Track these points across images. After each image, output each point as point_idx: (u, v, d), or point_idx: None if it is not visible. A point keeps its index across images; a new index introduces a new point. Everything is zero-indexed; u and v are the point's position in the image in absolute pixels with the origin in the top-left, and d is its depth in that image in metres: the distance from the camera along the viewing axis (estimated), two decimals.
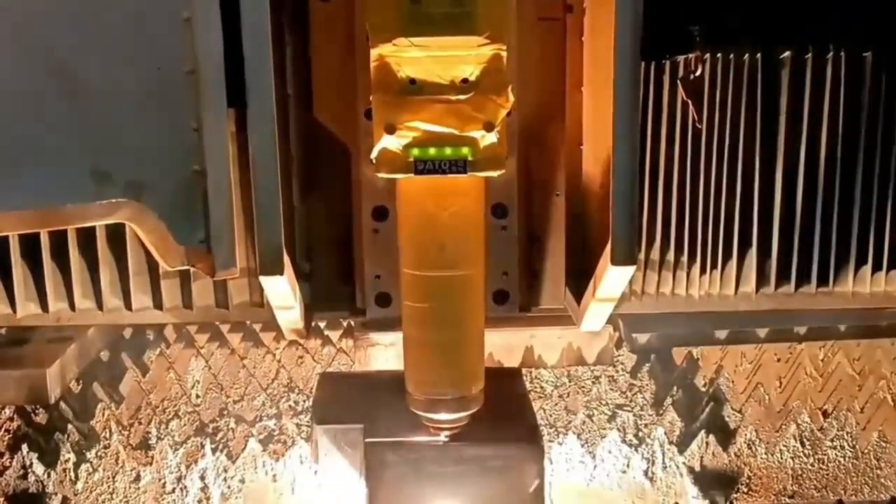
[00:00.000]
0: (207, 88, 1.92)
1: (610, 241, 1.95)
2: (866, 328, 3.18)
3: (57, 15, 1.92)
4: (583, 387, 3.40)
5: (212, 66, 1.91)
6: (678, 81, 2.17)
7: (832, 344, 3.38)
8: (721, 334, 3.15)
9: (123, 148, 1.96)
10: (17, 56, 1.91)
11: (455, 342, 2.09)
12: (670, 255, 2.44)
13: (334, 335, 3.41)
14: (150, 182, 1.97)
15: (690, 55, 2.16)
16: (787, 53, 2.34)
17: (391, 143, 1.90)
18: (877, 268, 2.46)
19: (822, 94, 2.36)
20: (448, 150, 1.89)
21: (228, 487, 3.36)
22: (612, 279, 2.01)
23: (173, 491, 3.36)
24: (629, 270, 1.98)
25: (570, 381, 3.40)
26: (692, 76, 2.15)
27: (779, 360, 3.40)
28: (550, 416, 3.39)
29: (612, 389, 3.40)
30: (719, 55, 2.29)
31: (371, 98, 1.92)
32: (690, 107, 2.19)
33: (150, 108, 1.96)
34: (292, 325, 2.22)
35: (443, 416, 2.12)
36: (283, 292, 2.03)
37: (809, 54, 2.35)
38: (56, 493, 3.36)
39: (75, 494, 3.35)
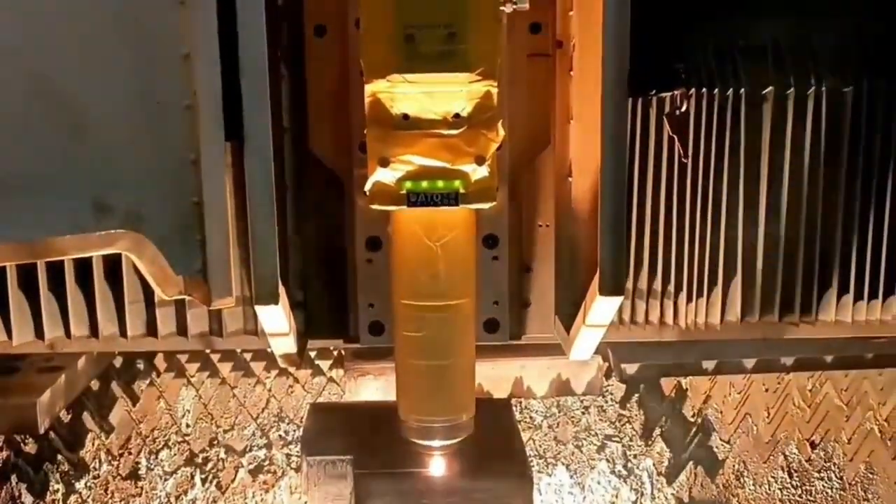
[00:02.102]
0: (206, 122, 2.00)
1: (598, 272, 2.03)
2: (853, 359, 3.26)
3: (58, 50, 1.99)
4: (572, 417, 3.47)
5: (210, 100, 1.99)
6: (664, 117, 2.27)
7: (819, 374, 3.46)
8: (709, 364, 3.23)
9: (122, 180, 2.03)
10: (18, 90, 1.98)
11: (446, 370, 2.17)
12: (657, 285, 2.53)
13: (325, 365, 3.47)
14: (149, 213, 2.04)
15: (676, 91, 2.26)
16: (769, 89, 2.45)
17: (385, 175, 1.99)
18: (858, 297, 2.56)
19: (804, 127, 2.47)
20: (440, 183, 1.98)
21: None
22: (601, 309, 2.09)
23: None
24: (617, 301, 2.07)
25: (559, 412, 3.48)
26: (677, 111, 2.25)
27: (767, 390, 3.48)
28: (540, 446, 3.46)
29: (601, 420, 3.48)
30: (703, 91, 2.40)
31: (365, 132, 2.00)
32: (676, 141, 2.29)
33: (149, 141, 2.03)
34: (286, 351, 2.29)
35: (435, 442, 2.19)
36: (277, 321, 2.11)
37: (791, 90, 2.46)
38: None
39: None
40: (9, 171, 2.01)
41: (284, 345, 2.23)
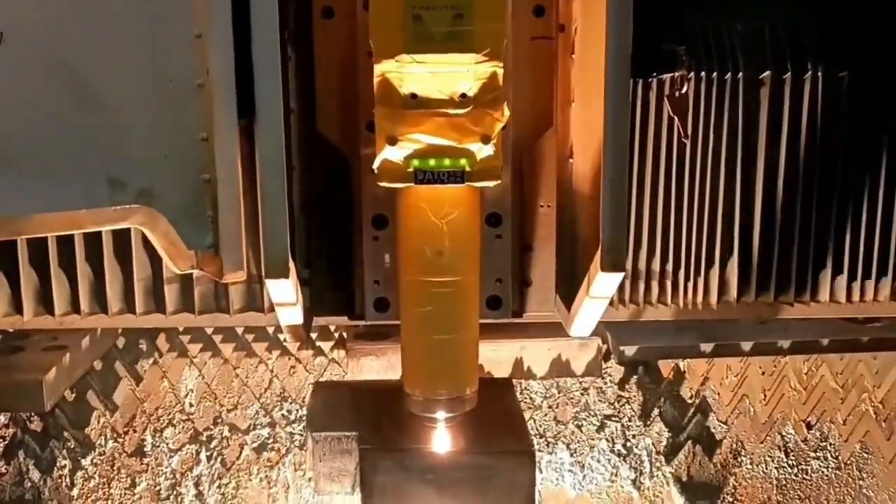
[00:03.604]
0: (219, 101, 2.09)
1: (600, 248, 2.13)
2: (849, 342, 3.35)
3: (73, 30, 2.08)
4: (571, 398, 3.58)
5: (223, 80, 2.07)
6: (665, 98, 2.37)
7: (816, 358, 3.57)
8: (707, 347, 3.32)
9: (137, 157, 2.12)
10: (37, 71, 2.07)
11: (450, 345, 2.25)
12: (655, 265, 2.63)
13: (326, 346, 3.57)
14: (162, 189, 2.13)
15: (676, 74, 2.35)
16: (766, 73, 2.54)
17: (393, 154, 2.07)
18: (852, 278, 2.66)
19: (801, 111, 2.56)
20: (447, 161, 2.06)
21: (223, 494, 3.51)
22: (602, 284, 2.18)
23: (168, 497, 3.51)
24: (618, 276, 2.15)
25: (559, 393, 3.58)
26: (678, 93, 2.35)
27: (763, 372, 3.59)
28: (540, 426, 3.56)
29: (600, 401, 3.58)
30: (703, 74, 2.50)
31: (374, 111, 2.09)
32: (676, 122, 2.38)
33: (162, 119, 2.12)
34: (294, 322, 2.36)
35: (439, 414, 2.29)
36: (287, 293, 2.20)
37: (788, 74, 2.55)
38: (52, 500, 3.49)
39: (71, 500, 3.49)
40: (25, 146, 2.10)
41: (292, 315, 2.30)
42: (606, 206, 2.10)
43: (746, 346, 3.32)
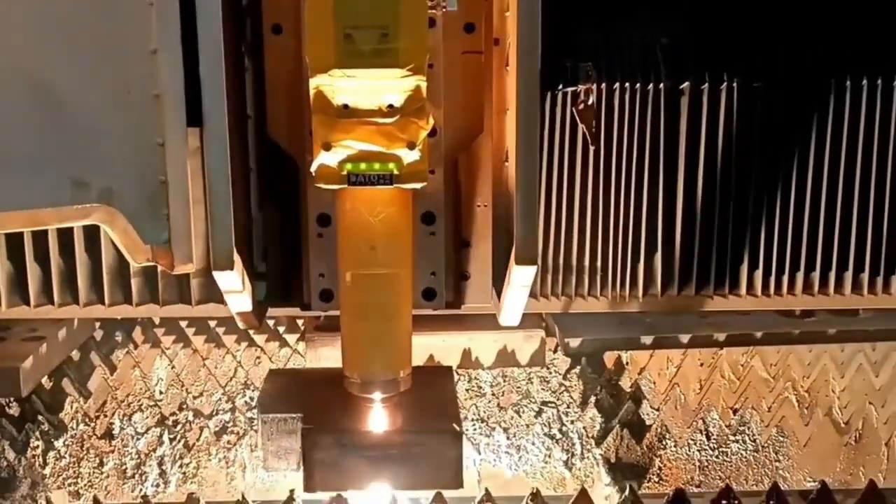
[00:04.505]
0: (170, 110, 2.33)
1: (514, 244, 2.37)
2: (781, 335, 3.58)
3: (44, 46, 2.31)
4: (517, 387, 3.83)
5: (174, 91, 2.31)
6: (573, 109, 2.62)
7: (751, 349, 3.81)
8: (647, 339, 3.56)
9: (98, 160, 2.35)
10: (9, 81, 2.31)
11: (385, 331, 2.49)
12: (585, 260, 2.86)
13: (291, 338, 3.82)
14: (121, 189, 2.37)
15: (580, 87, 2.61)
16: (685, 84, 2.79)
17: (328, 158, 2.30)
18: (767, 272, 2.90)
19: (717, 119, 2.80)
20: (377, 165, 2.29)
21: (184, 473, 3.77)
22: (518, 277, 2.43)
23: (133, 476, 3.78)
24: (531, 269, 2.40)
25: (504, 382, 3.83)
26: (582, 105, 2.60)
27: (701, 364, 3.83)
28: (483, 412, 3.82)
29: (543, 389, 3.83)
30: (627, 85, 2.74)
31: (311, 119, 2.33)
32: (582, 129, 2.64)
33: (122, 126, 2.35)
34: (243, 309, 2.60)
35: (375, 395, 2.53)
36: (233, 282, 2.43)
37: (706, 84, 2.79)
38: (26, 478, 3.76)
39: (43, 479, 3.76)
40: None
41: (241, 303, 2.54)
42: (519, 205, 2.35)
43: (685, 338, 3.57)
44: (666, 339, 3.55)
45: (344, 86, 2.25)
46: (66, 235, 2.78)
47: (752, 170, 2.85)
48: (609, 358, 3.83)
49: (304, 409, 2.59)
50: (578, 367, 3.83)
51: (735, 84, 2.79)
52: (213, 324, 3.80)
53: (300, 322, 3.81)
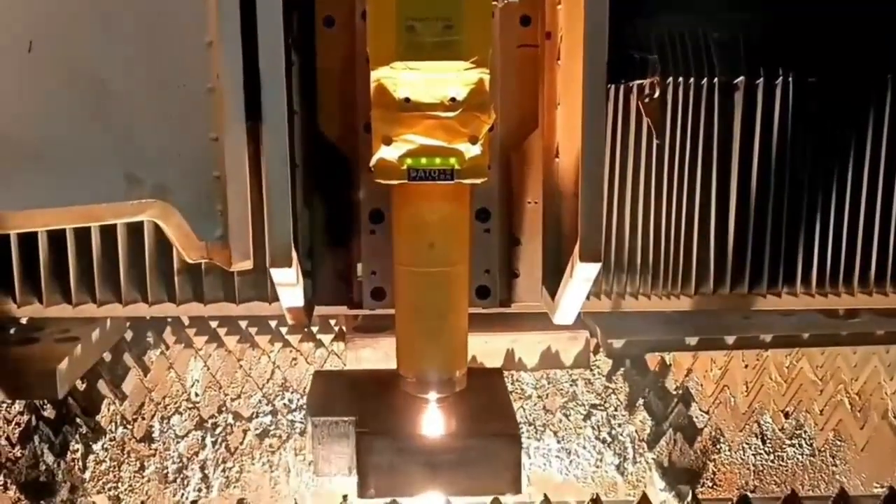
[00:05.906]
0: (228, 104, 2.31)
1: (579, 240, 2.36)
2: (828, 336, 3.56)
3: (98, 41, 2.31)
4: (560, 389, 3.82)
5: (232, 84, 2.29)
6: (639, 102, 2.61)
7: (797, 351, 3.80)
8: (692, 341, 3.54)
9: (152, 155, 2.34)
10: (62, 76, 2.30)
11: (441, 330, 2.48)
12: (636, 258, 2.86)
13: (326, 339, 3.81)
14: (176, 185, 2.36)
15: (646, 81, 2.60)
16: (740, 78, 2.78)
17: (388, 153, 2.29)
18: (822, 271, 2.89)
19: (772, 114, 2.80)
20: (437, 160, 2.27)
21: (227, 477, 3.75)
22: (581, 274, 2.41)
23: (175, 480, 3.76)
24: (595, 266, 2.38)
25: (548, 384, 3.82)
26: (647, 99, 2.59)
27: (746, 366, 3.82)
28: (530, 415, 3.80)
29: (587, 391, 3.82)
30: (681, 80, 2.74)
31: (371, 113, 2.31)
32: (647, 124, 2.63)
33: (176, 120, 2.35)
34: (295, 304, 2.58)
35: (431, 395, 2.52)
36: (289, 279, 2.43)
37: (761, 79, 2.79)
38: (66, 482, 3.73)
39: (83, 483, 3.74)
40: (51, 145, 2.33)
41: (294, 297, 2.52)
42: (584, 200, 2.33)
43: (730, 340, 3.55)
44: (711, 340, 3.53)
45: (406, 79, 2.24)
46: (108, 233, 2.76)
47: (806, 166, 2.84)
48: (651, 359, 3.82)
49: (355, 412, 2.55)
50: (622, 369, 3.82)
51: (790, 79, 2.78)
52: (244, 324, 3.79)
53: (332, 322, 3.80)
